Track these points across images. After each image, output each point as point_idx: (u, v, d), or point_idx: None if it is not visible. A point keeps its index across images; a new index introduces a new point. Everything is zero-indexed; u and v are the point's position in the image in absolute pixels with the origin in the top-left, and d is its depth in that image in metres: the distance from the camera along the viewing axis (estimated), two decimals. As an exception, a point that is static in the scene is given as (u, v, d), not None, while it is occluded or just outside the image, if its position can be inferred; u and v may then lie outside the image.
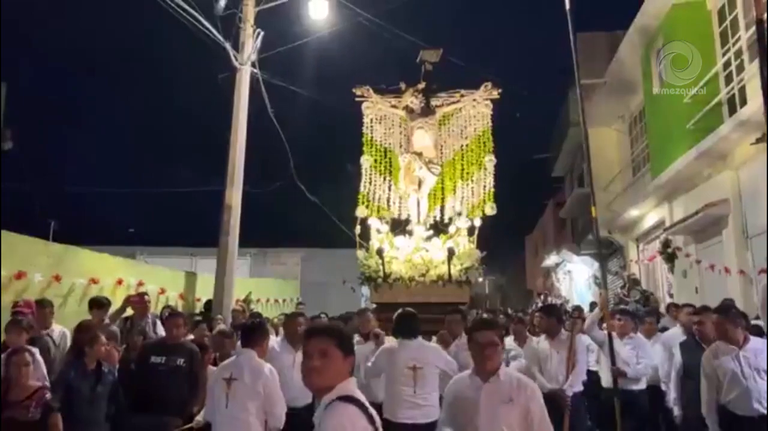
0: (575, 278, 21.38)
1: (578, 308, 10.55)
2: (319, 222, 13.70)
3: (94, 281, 7.06)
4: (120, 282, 7.59)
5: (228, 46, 8.69)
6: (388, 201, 7.84)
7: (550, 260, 24.54)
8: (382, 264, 6.92)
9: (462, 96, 7.86)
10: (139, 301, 6.15)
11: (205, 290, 9.56)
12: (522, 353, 5.94)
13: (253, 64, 9.26)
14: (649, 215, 12.93)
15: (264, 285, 14.00)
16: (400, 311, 4.90)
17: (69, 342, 5.27)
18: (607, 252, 16.51)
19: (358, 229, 7.44)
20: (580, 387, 5.22)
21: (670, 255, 11.44)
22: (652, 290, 12.06)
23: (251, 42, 9.17)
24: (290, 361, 4.80)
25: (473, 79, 8.08)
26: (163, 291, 8.72)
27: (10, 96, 13.86)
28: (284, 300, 14.26)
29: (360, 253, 7.27)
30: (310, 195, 12.49)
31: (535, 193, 28.30)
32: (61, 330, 5.47)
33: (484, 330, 2.94)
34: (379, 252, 6.90)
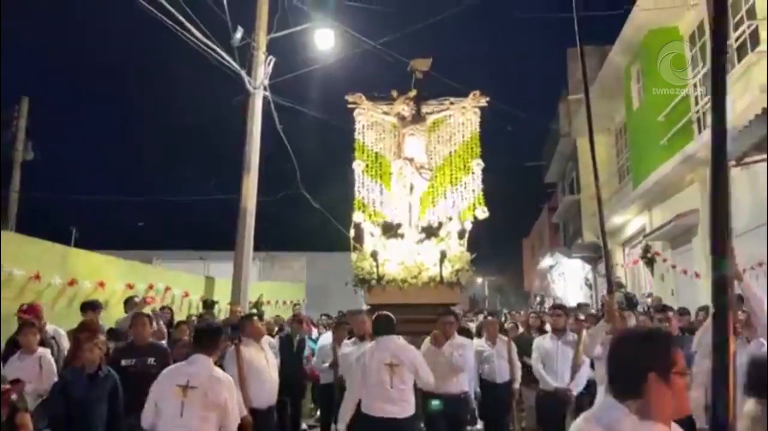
0: (568, 279, 22.26)
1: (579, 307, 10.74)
2: (322, 228, 14.60)
3: (129, 286, 7.98)
4: (151, 287, 8.51)
5: (243, 73, 9.60)
6: (381, 205, 7.89)
7: (545, 262, 25.43)
8: (376, 267, 6.98)
9: (451, 104, 7.98)
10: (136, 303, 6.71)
11: (221, 293, 10.45)
12: (494, 353, 6.29)
13: (264, 87, 10.18)
14: (632, 221, 13.83)
15: (273, 288, 14.91)
16: (376, 314, 5.02)
17: (66, 342, 5.57)
18: (595, 256, 17.40)
19: (352, 232, 7.56)
20: (582, 388, 5.52)
21: (649, 260, 12.34)
22: (634, 292, 12.95)
23: (263, 68, 10.09)
24: (262, 359, 5.07)
25: (465, 90, 8.24)
26: (187, 294, 9.65)
27: (34, 110, 14.82)
28: (292, 302, 15.15)
29: (354, 255, 7.36)
30: (314, 203, 13.44)
31: (532, 197, 29.20)
32: (53, 329, 5.74)
33: None
34: (374, 255, 6.98)
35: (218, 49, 9.01)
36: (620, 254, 15.36)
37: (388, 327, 4.81)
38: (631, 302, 11.39)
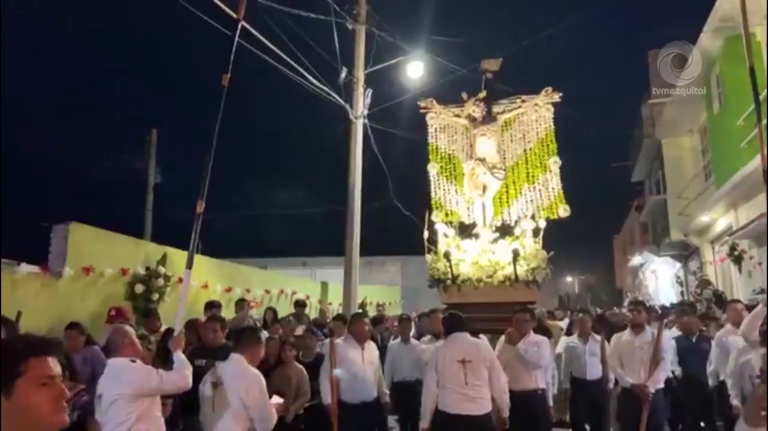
0: (659, 277, 22.22)
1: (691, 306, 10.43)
2: (414, 233, 15.90)
3: (267, 291, 9.71)
4: (281, 292, 10.21)
5: (347, 106, 11.11)
6: (457, 205, 7.93)
7: (636, 260, 25.35)
8: (450, 267, 6.93)
9: (523, 101, 7.82)
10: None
11: (333, 297, 11.97)
12: (585, 350, 6.41)
13: (364, 116, 11.65)
14: (719, 220, 14.06)
15: (372, 291, 16.39)
16: (445, 314, 5.16)
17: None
18: (684, 253, 17.52)
19: (426, 234, 7.47)
20: (661, 384, 5.42)
21: (737, 257, 12.63)
22: (723, 290, 13.21)
23: (362, 100, 11.56)
24: (358, 356, 5.27)
25: (538, 88, 8.08)
26: (308, 297, 11.29)
27: (162, 141, 17.31)
28: (389, 303, 16.55)
29: (428, 257, 7.32)
30: (404, 210, 14.81)
31: (621, 195, 29.08)
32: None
33: None
34: (446, 256, 6.90)
35: (328, 89, 10.57)
36: (709, 252, 15.53)
37: (458, 325, 4.91)
38: (720, 299, 11.80)
